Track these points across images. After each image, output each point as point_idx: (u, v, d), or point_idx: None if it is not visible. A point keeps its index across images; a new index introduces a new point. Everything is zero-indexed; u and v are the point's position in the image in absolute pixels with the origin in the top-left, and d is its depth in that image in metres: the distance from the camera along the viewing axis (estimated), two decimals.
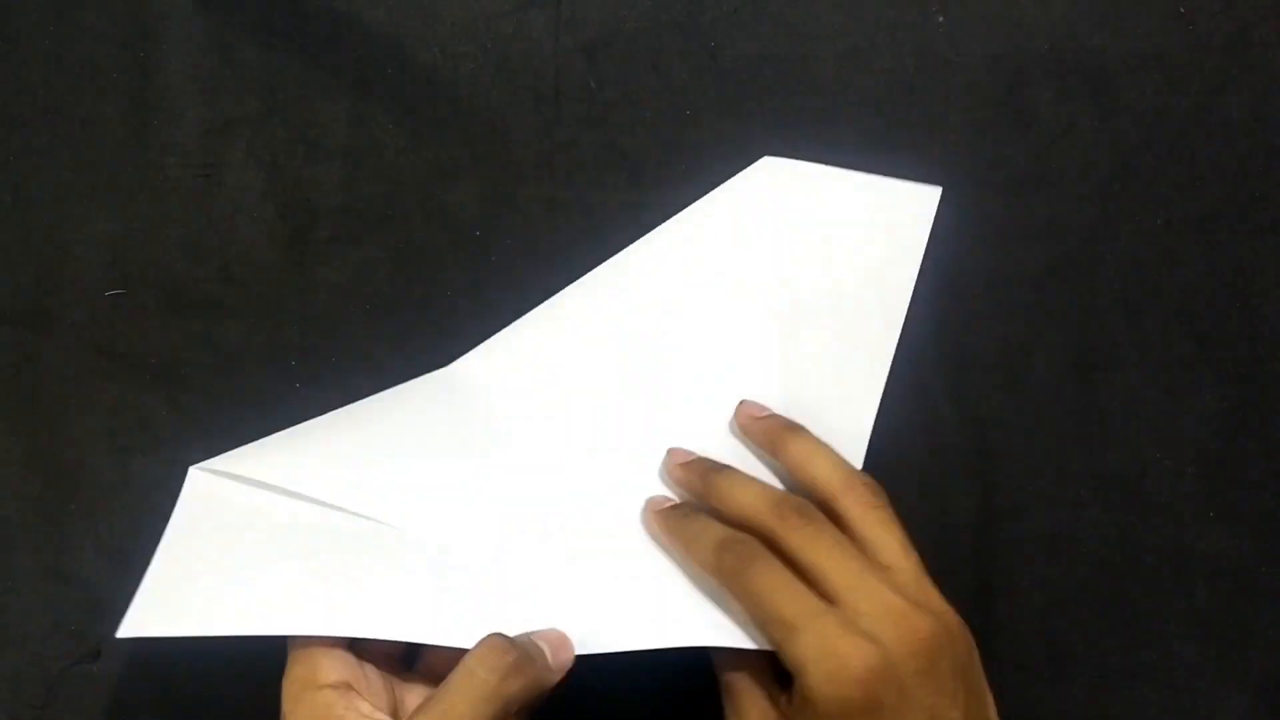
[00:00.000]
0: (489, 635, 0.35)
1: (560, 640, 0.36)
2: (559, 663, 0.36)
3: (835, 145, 0.48)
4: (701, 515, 0.39)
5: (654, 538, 0.40)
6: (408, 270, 0.46)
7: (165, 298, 0.46)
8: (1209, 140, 0.48)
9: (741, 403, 0.42)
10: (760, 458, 0.42)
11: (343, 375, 0.45)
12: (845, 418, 0.42)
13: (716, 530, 0.37)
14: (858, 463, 0.42)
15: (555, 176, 0.47)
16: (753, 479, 0.39)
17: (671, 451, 0.41)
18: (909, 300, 0.44)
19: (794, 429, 0.40)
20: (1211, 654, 0.43)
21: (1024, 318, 0.46)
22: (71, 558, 0.43)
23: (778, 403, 0.42)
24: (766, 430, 0.41)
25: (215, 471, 0.39)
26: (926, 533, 0.43)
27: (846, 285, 0.44)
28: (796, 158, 0.47)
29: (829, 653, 0.33)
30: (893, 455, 0.44)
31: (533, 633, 0.36)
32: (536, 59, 0.48)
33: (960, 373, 0.45)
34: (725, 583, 0.36)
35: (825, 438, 0.40)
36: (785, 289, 0.44)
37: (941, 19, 0.49)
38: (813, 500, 0.38)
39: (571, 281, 0.46)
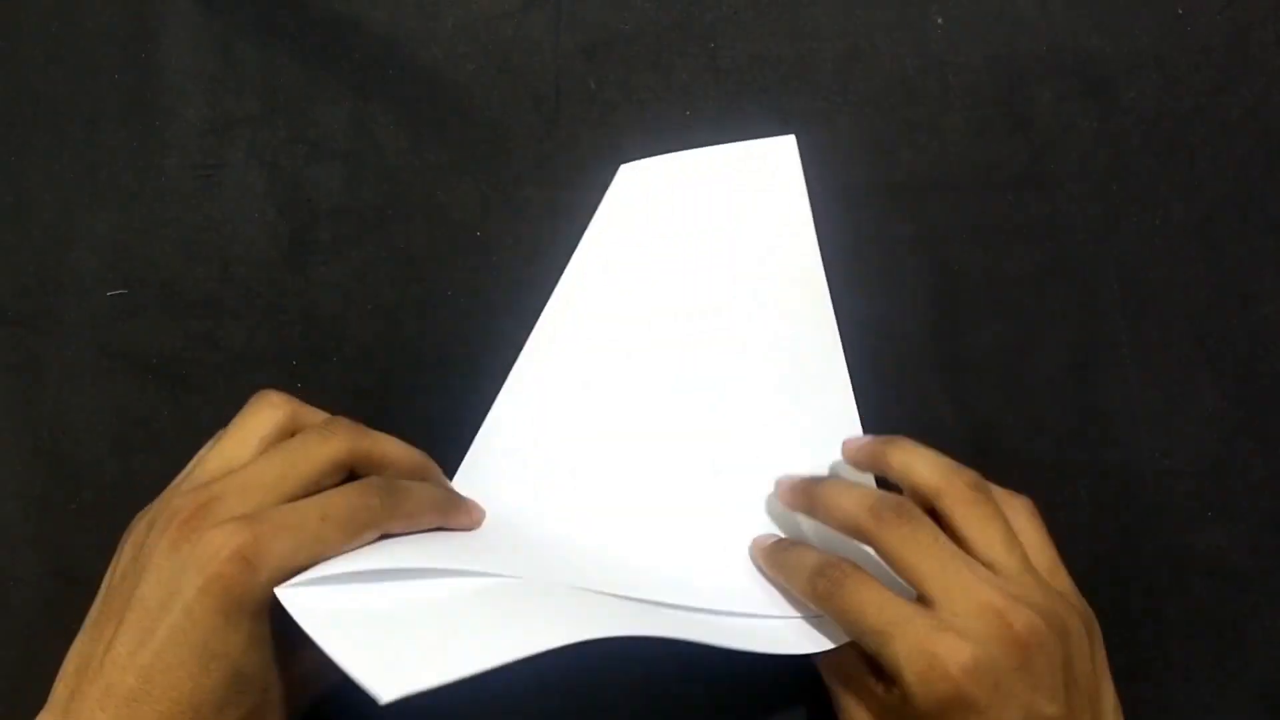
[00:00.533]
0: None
1: (472, 511, 0.40)
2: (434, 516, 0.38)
3: (835, 145, 0.48)
4: (799, 546, 0.40)
5: (761, 571, 0.41)
6: (408, 270, 0.46)
7: (166, 297, 0.46)
8: (1208, 141, 0.48)
9: (844, 443, 0.42)
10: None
11: (344, 376, 0.45)
12: (822, 391, 0.43)
13: (811, 557, 0.38)
14: (853, 427, 0.43)
15: (555, 176, 0.47)
16: (853, 485, 0.40)
17: (778, 481, 0.42)
18: (817, 250, 0.45)
19: (891, 441, 0.40)
20: (1211, 654, 0.43)
21: (1024, 318, 0.46)
22: (73, 557, 0.43)
23: (761, 406, 0.43)
24: (870, 455, 0.41)
25: (306, 582, 0.34)
26: None
27: (755, 263, 0.45)
28: (798, 157, 0.47)
29: (921, 653, 0.34)
30: None
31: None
32: (537, 60, 0.49)
33: (960, 373, 0.45)
34: (822, 607, 0.37)
35: (814, 420, 0.42)
36: (703, 293, 0.44)
37: (940, 20, 0.49)
38: (919, 503, 0.38)
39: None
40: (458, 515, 0.40)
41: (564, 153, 0.48)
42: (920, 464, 0.39)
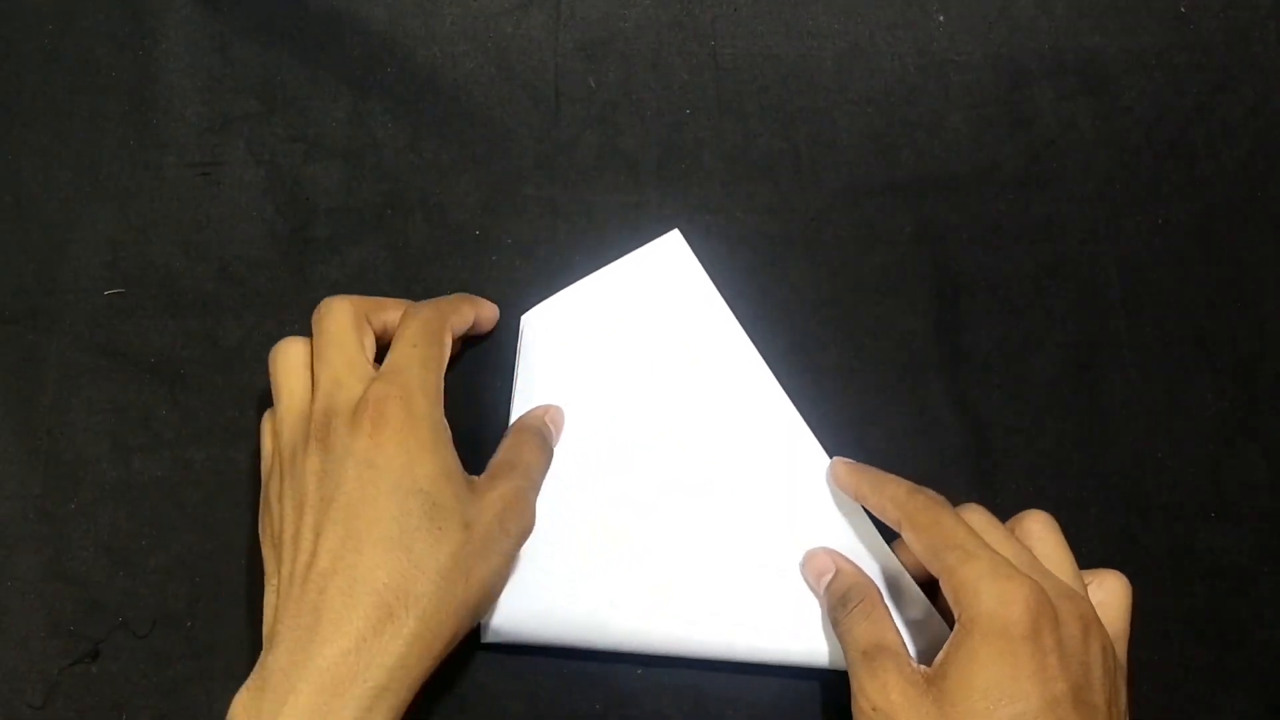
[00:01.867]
0: (519, 428, 0.43)
1: (559, 417, 0.44)
2: (557, 437, 0.44)
3: (835, 144, 0.48)
4: (891, 477, 0.41)
5: (841, 486, 0.43)
6: (407, 270, 0.46)
7: (165, 296, 0.46)
8: (1209, 140, 0.48)
9: (833, 463, 0.43)
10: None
11: None
12: (782, 440, 0.44)
13: (906, 482, 0.40)
14: (820, 459, 0.43)
15: (555, 176, 0.47)
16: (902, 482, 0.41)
17: (834, 462, 0.43)
18: (737, 325, 0.45)
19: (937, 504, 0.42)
20: (1211, 654, 0.43)
21: (1024, 318, 0.46)
22: (71, 557, 0.43)
23: (733, 472, 0.44)
24: (856, 485, 0.43)
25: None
26: None
27: (687, 360, 0.45)
28: (797, 157, 0.47)
29: (1001, 576, 0.36)
30: (893, 455, 0.44)
31: (545, 409, 0.44)
32: (536, 58, 0.48)
33: (960, 373, 0.45)
34: (912, 517, 0.39)
35: (784, 467, 0.43)
36: (647, 403, 0.44)
37: (941, 18, 0.49)
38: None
39: (572, 281, 0.46)
40: (471, 303, 0.44)
41: (563, 151, 0.48)
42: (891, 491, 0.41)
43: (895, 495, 0.40)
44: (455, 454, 0.38)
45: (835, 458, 0.43)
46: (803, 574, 0.42)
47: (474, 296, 0.45)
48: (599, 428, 0.44)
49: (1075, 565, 0.39)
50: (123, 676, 0.42)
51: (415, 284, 0.46)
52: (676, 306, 0.45)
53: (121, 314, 0.46)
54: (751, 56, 0.49)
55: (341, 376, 0.39)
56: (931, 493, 0.40)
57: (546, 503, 0.43)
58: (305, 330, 0.46)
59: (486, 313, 0.45)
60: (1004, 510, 0.44)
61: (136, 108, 0.48)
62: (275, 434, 0.40)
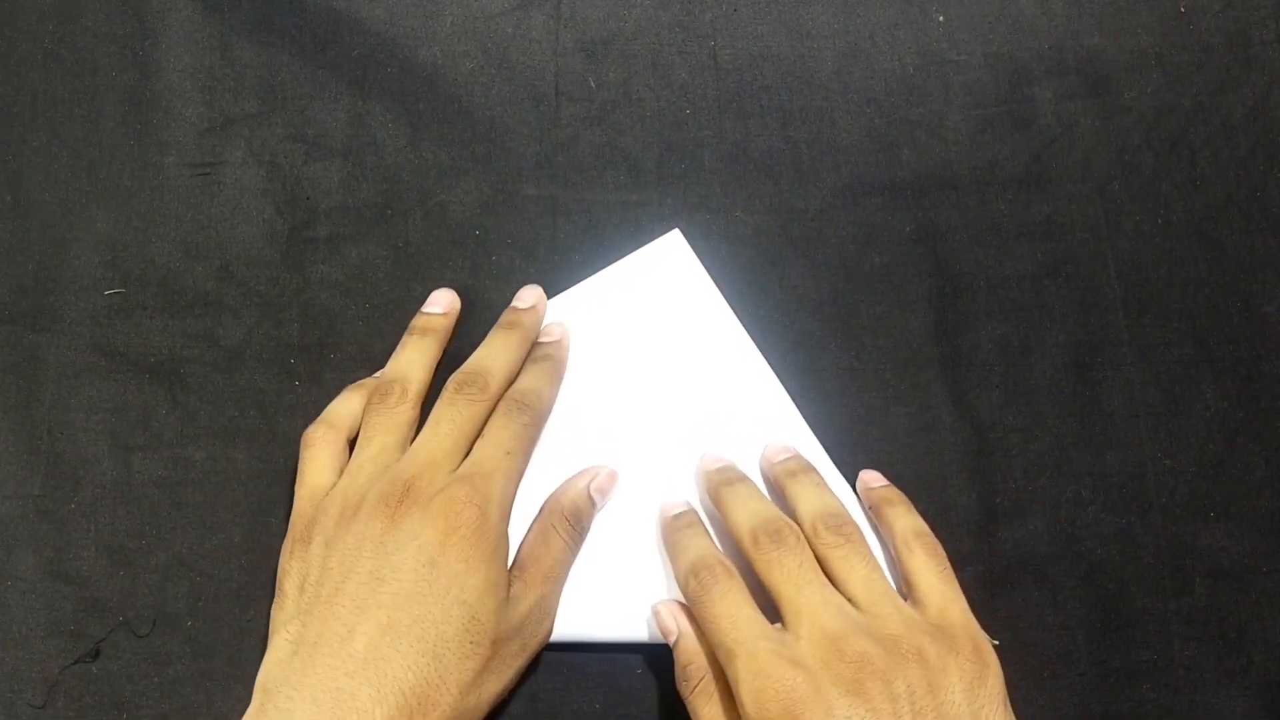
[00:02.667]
0: (549, 512, 0.42)
1: (609, 481, 0.43)
2: (604, 503, 0.43)
3: (835, 144, 0.48)
4: (694, 529, 0.42)
5: (661, 537, 0.43)
6: (407, 270, 0.46)
7: (165, 296, 0.46)
8: (1209, 140, 0.48)
9: (766, 447, 0.44)
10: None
11: (343, 374, 0.45)
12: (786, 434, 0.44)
13: (696, 549, 0.40)
14: (819, 455, 0.44)
15: (555, 176, 0.47)
16: (754, 497, 0.41)
17: (704, 456, 0.43)
18: (740, 325, 0.45)
19: (795, 472, 0.42)
20: (1211, 654, 0.43)
21: (1024, 318, 0.46)
22: (72, 557, 0.43)
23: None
24: (774, 474, 0.43)
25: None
26: None
27: (688, 358, 0.45)
28: (797, 157, 0.47)
29: (758, 673, 0.35)
30: (893, 455, 0.44)
31: (593, 474, 0.43)
32: (536, 58, 0.48)
33: (960, 373, 0.45)
34: (690, 603, 0.39)
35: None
36: (649, 401, 0.45)
37: (941, 18, 0.49)
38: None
39: (572, 281, 0.46)
40: (563, 366, 0.44)
41: (563, 151, 0.48)
42: (803, 499, 0.41)
43: (678, 574, 0.40)
44: (506, 566, 0.39)
45: (664, 502, 0.43)
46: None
47: (554, 346, 0.44)
48: (601, 427, 0.44)
49: (950, 595, 0.39)
50: (123, 676, 0.42)
51: (415, 283, 0.46)
52: (678, 306, 0.45)
53: (122, 314, 0.46)
54: (751, 56, 0.49)
55: (440, 458, 0.39)
56: (712, 567, 0.39)
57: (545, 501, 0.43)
58: (305, 330, 0.46)
59: (562, 340, 0.45)
60: (1004, 510, 0.44)
61: (137, 108, 0.48)
62: (352, 471, 0.40)
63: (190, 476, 0.44)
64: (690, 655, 0.39)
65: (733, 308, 0.45)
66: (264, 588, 0.42)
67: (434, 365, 0.44)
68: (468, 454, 0.40)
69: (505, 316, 0.44)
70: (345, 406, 0.43)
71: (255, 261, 0.46)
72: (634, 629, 0.42)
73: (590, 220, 0.47)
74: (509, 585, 0.39)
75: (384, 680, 0.34)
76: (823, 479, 0.42)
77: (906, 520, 0.41)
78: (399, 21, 0.49)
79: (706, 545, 0.40)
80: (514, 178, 0.47)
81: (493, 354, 0.43)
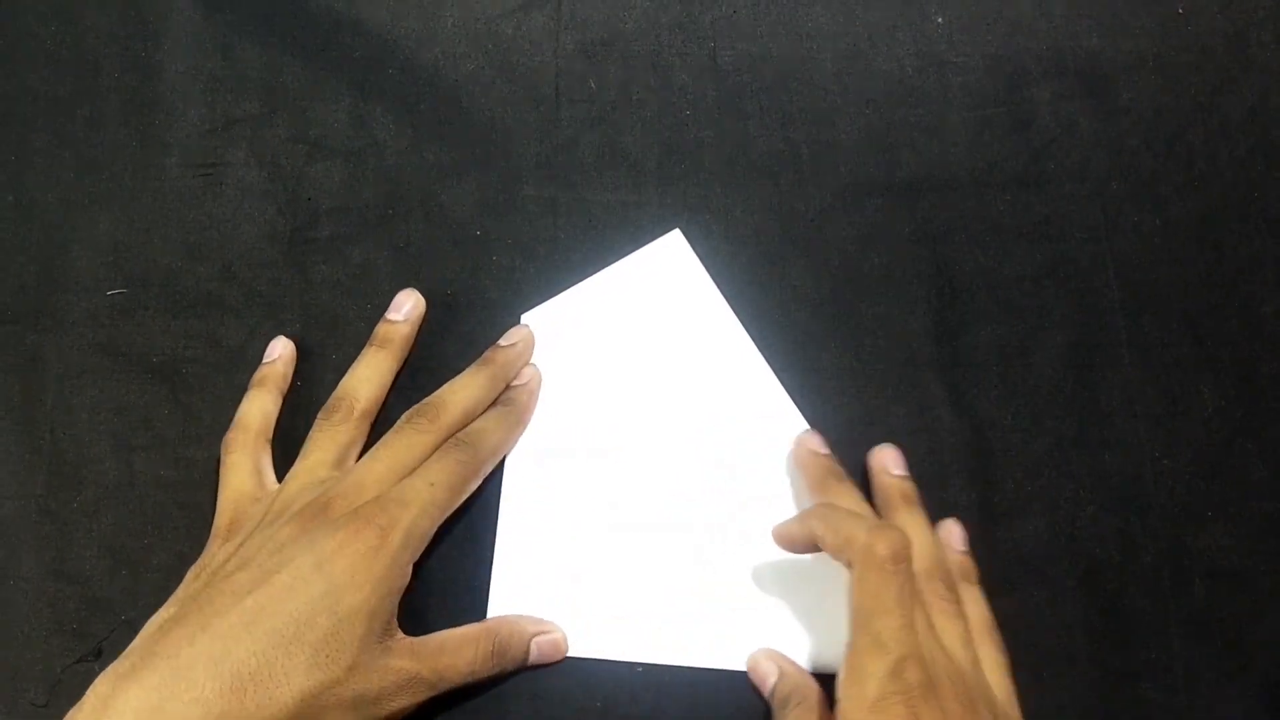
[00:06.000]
0: (486, 627, 0.41)
1: (553, 648, 0.41)
2: (536, 664, 0.41)
3: (835, 145, 0.48)
4: (844, 483, 0.42)
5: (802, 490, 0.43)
6: (408, 270, 0.46)
7: (166, 297, 0.46)
8: (1208, 140, 0.48)
9: (880, 448, 0.44)
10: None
11: (343, 375, 0.45)
12: (783, 437, 0.44)
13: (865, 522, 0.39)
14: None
15: (555, 176, 0.47)
16: (855, 509, 0.40)
17: (809, 433, 0.44)
18: (740, 326, 0.45)
19: (912, 500, 0.42)
20: (1211, 654, 0.43)
21: (1023, 318, 0.46)
22: (74, 557, 0.43)
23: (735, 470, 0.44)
24: (888, 489, 0.43)
25: None
26: None
27: (689, 358, 0.45)
28: (796, 157, 0.47)
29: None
30: None
31: (543, 629, 0.41)
32: (537, 59, 0.49)
33: (960, 373, 0.45)
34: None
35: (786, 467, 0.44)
36: (650, 402, 0.45)
37: (940, 19, 0.49)
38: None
39: (572, 281, 0.46)
40: (526, 413, 0.44)
41: (564, 152, 0.48)
42: (915, 539, 0.39)
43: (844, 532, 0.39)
44: (394, 601, 0.38)
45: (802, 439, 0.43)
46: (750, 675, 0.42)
47: (521, 395, 0.44)
48: (600, 427, 0.44)
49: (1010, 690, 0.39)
50: None
51: (415, 283, 0.46)
52: (678, 306, 0.46)
53: (124, 314, 0.46)
54: (751, 58, 0.49)
55: (368, 483, 0.39)
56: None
57: (547, 504, 0.43)
58: (306, 330, 0.46)
59: (528, 401, 0.44)
60: (1004, 510, 0.44)
61: (138, 109, 0.48)
62: (285, 481, 0.41)
63: (192, 476, 0.44)
64: (793, 684, 0.39)
65: (733, 308, 0.45)
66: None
67: (389, 379, 0.44)
68: None
69: (486, 353, 0.44)
70: (255, 407, 0.43)
71: (257, 262, 0.47)
72: (636, 646, 0.42)
73: (590, 220, 0.47)
74: (393, 633, 0.38)
75: (226, 659, 0.34)
76: (927, 519, 0.42)
77: (975, 610, 0.41)
78: (400, 23, 0.49)
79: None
80: (514, 178, 0.47)
81: (456, 389, 0.43)
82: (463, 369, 0.45)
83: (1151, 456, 0.45)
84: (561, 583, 0.42)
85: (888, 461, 0.43)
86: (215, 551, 0.40)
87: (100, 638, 0.42)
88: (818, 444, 0.43)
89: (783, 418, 0.44)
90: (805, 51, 0.49)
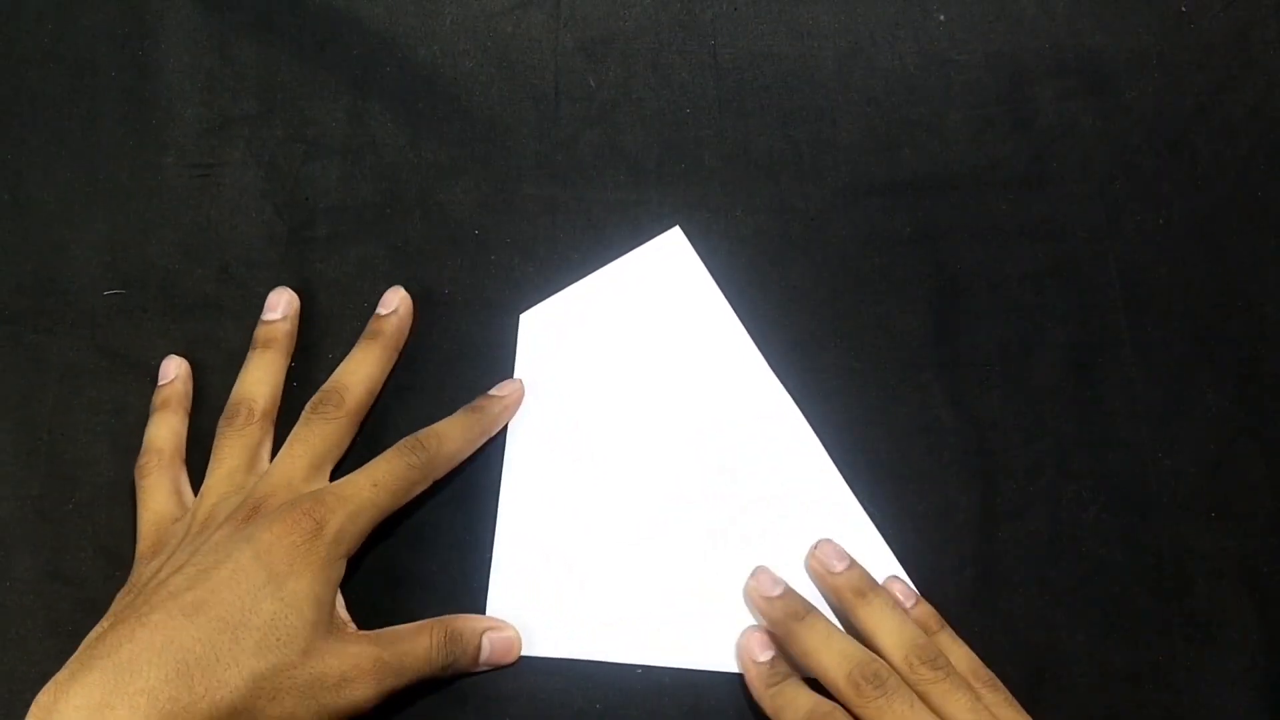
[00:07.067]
0: (439, 620, 0.40)
1: (506, 644, 0.41)
2: (490, 661, 0.41)
3: (835, 144, 0.47)
4: (791, 683, 0.40)
5: (750, 690, 0.41)
6: (407, 269, 0.46)
7: (164, 297, 0.46)
8: (1210, 140, 0.48)
9: (816, 546, 0.42)
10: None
11: None
12: (788, 448, 0.44)
13: (802, 701, 0.38)
14: (820, 459, 0.43)
15: (555, 176, 0.47)
16: (834, 633, 0.40)
17: (758, 574, 0.42)
18: (740, 326, 0.45)
19: (864, 592, 0.41)
20: (1213, 654, 0.43)
21: (1024, 318, 0.46)
22: (70, 558, 0.43)
23: (736, 477, 0.44)
24: (837, 590, 0.41)
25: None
26: (927, 533, 0.43)
27: (688, 357, 0.45)
28: (797, 156, 0.47)
29: None
30: (893, 455, 0.44)
31: (495, 625, 0.41)
32: (536, 57, 0.48)
33: (960, 373, 0.45)
34: None
35: (787, 475, 0.43)
36: (651, 400, 0.44)
37: (942, 17, 0.49)
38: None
39: (572, 280, 0.46)
40: (494, 423, 0.43)
41: (563, 150, 0.48)
42: (883, 634, 0.39)
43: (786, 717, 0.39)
44: (336, 597, 0.38)
45: (748, 650, 0.41)
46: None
47: (492, 401, 0.43)
48: (597, 426, 0.44)
49: None
50: None
51: (414, 283, 0.46)
52: (678, 303, 0.45)
53: (121, 314, 0.46)
54: (752, 56, 0.48)
55: (295, 478, 0.40)
56: (830, 714, 0.37)
57: (546, 503, 0.43)
58: (304, 330, 0.46)
59: (500, 414, 0.44)
60: (1004, 510, 0.44)
61: (136, 108, 0.48)
62: (202, 495, 0.41)
63: (189, 477, 0.44)
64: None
65: (733, 307, 0.45)
66: None
67: (281, 376, 0.44)
68: (330, 477, 0.41)
69: (369, 325, 0.44)
70: (163, 429, 0.43)
71: (255, 262, 0.46)
72: (635, 648, 0.41)
73: (590, 220, 0.47)
74: (343, 624, 0.38)
75: (169, 648, 0.34)
76: (893, 598, 0.41)
77: (962, 661, 0.40)
78: (398, 21, 0.49)
79: (811, 696, 0.39)
80: (513, 177, 0.47)
81: (351, 369, 0.43)
82: (461, 368, 0.45)
83: (1154, 456, 0.45)
84: (560, 582, 0.42)
85: (828, 560, 0.41)
86: (142, 570, 0.39)
87: None
88: (768, 586, 0.41)
89: (783, 418, 0.44)
90: (806, 49, 0.49)
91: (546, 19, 0.49)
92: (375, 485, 0.39)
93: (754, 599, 0.41)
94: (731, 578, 0.42)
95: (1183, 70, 0.48)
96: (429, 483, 0.41)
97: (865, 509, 0.43)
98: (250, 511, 0.38)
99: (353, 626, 0.39)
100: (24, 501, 0.44)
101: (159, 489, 0.42)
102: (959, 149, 0.47)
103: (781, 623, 0.40)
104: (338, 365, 0.45)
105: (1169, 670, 0.43)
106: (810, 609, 0.40)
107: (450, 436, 0.42)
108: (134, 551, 0.43)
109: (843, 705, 0.38)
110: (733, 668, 0.41)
